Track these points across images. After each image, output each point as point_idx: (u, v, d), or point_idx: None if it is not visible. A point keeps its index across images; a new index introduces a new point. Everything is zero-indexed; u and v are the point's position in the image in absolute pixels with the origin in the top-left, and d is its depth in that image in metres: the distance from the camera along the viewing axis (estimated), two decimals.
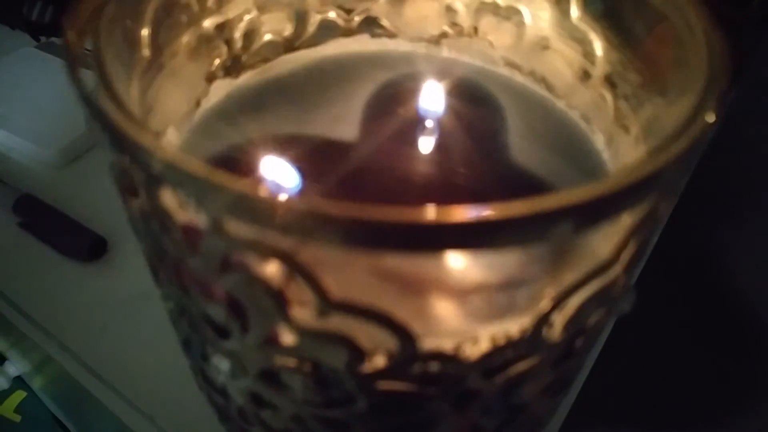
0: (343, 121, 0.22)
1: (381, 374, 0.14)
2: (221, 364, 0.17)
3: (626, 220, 0.14)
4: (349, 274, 0.13)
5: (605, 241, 0.14)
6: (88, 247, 0.35)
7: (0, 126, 0.41)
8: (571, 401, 0.31)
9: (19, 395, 0.53)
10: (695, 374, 0.36)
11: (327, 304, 0.13)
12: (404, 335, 0.13)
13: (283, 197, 0.11)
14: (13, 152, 0.42)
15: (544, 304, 0.14)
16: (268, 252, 0.12)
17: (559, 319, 0.15)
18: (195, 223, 0.13)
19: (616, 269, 0.15)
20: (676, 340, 0.37)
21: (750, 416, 0.34)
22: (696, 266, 0.41)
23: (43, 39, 0.50)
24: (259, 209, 0.11)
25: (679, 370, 0.36)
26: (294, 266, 0.12)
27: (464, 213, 0.11)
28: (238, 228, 0.12)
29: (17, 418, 0.54)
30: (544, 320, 0.14)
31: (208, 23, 0.21)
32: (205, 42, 0.21)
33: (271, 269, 0.13)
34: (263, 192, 0.11)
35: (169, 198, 0.13)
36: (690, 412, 0.34)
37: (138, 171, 0.13)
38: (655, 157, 0.13)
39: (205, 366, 0.18)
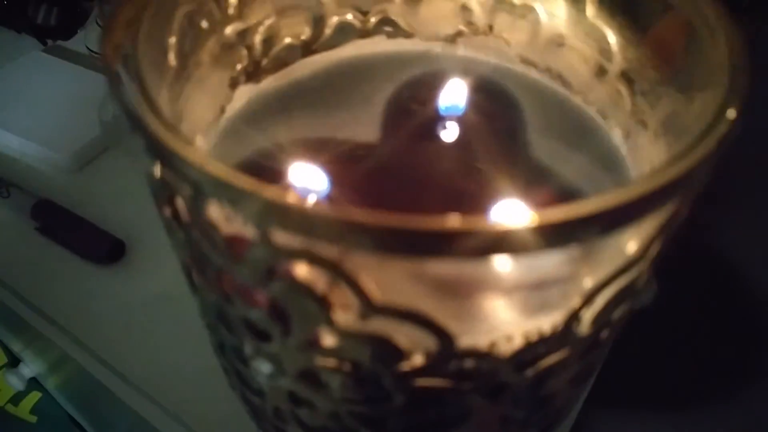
0: (364, 122, 0.23)
1: (418, 372, 0.15)
2: (261, 366, 0.17)
3: (652, 220, 0.15)
4: (388, 276, 0.13)
5: (632, 239, 0.15)
6: (107, 250, 0.36)
7: (12, 131, 0.42)
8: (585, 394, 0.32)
9: (35, 396, 0.54)
10: (703, 364, 0.36)
11: (369, 308, 0.13)
12: (443, 335, 0.14)
13: (327, 208, 0.12)
14: (27, 158, 0.42)
15: (575, 301, 0.14)
16: (314, 260, 0.13)
17: (587, 315, 0.15)
18: (240, 233, 0.13)
19: (642, 266, 0.15)
20: (685, 330, 0.37)
21: (756, 405, 0.35)
22: (706, 257, 0.41)
23: (49, 42, 0.51)
24: (303, 220, 0.12)
25: (687, 359, 0.36)
26: (338, 273, 0.13)
27: (501, 221, 0.11)
28: (283, 238, 0.13)
29: (33, 419, 0.55)
30: (574, 316, 0.15)
31: (230, 30, 0.21)
32: (228, 49, 0.21)
33: (315, 276, 0.13)
34: (308, 204, 0.12)
35: (213, 210, 0.14)
36: (698, 401, 0.35)
37: (182, 184, 0.14)
38: (681, 160, 0.13)
39: (242, 367, 0.19)
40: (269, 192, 0.12)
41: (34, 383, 0.52)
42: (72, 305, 0.36)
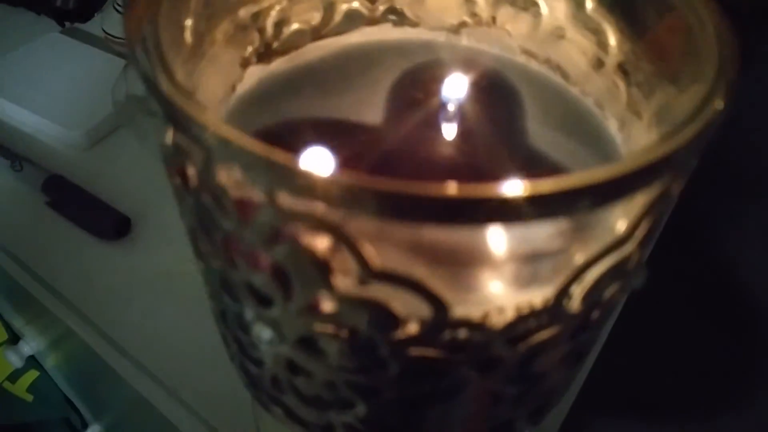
0: (368, 106, 0.24)
1: (413, 340, 0.16)
2: (261, 333, 0.18)
3: (640, 200, 0.15)
4: (388, 245, 0.14)
5: (622, 218, 0.16)
6: (113, 226, 0.37)
7: (28, 109, 0.43)
8: (578, 386, 0.32)
9: (32, 375, 0.55)
10: (699, 360, 0.37)
11: (368, 273, 0.14)
12: (437, 303, 0.14)
13: (330, 173, 0.12)
14: (41, 134, 0.43)
15: (565, 276, 0.15)
16: (317, 224, 0.13)
17: (577, 292, 0.16)
18: (248, 197, 0.14)
19: (631, 245, 0.16)
20: (680, 324, 0.38)
21: (754, 401, 0.35)
22: (703, 252, 0.42)
23: (67, 24, 0.52)
24: (309, 184, 0.13)
25: (683, 355, 0.37)
26: (340, 237, 0.13)
27: (495, 189, 0.12)
28: (289, 201, 0.13)
29: (29, 397, 0.55)
30: (564, 292, 0.15)
31: (244, 12, 0.22)
32: (241, 30, 0.22)
33: (318, 240, 0.14)
34: (313, 168, 0.12)
35: (223, 174, 0.14)
36: (692, 400, 0.35)
37: (194, 147, 0.14)
38: (667, 141, 0.14)
39: (242, 335, 0.19)
40: (277, 155, 0.12)
41: (32, 361, 0.53)
42: (77, 278, 0.36)
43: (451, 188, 0.12)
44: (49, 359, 0.52)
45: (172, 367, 0.33)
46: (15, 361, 0.50)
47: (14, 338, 0.53)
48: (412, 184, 0.12)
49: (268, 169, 0.13)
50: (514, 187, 0.12)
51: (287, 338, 0.17)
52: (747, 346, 0.37)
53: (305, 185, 0.13)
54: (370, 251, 0.14)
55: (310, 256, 0.14)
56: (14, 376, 0.55)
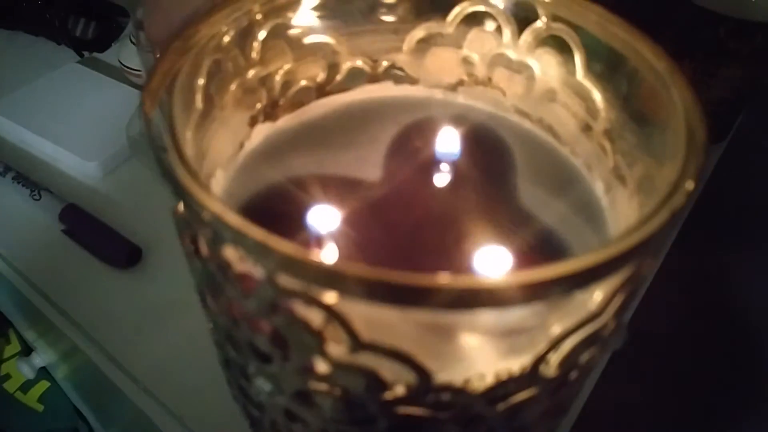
0: (368, 161, 0.25)
1: (400, 401, 0.17)
2: (261, 384, 0.19)
3: (614, 278, 0.16)
4: (377, 315, 0.15)
5: (597, 291, 0.17)
6: (125, 255, 0.38)
7: (48, 138, 0.45)
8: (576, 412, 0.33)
9: (43, 385, 0.56)
10: (698, 385, 0.37)
11: (357, 344, 0.15)
12: (421, 371, 0.16)
13: (325, 261, 0.14)
14: (59, 163, 0.45)
15: (541, 347, 0.16)
16: (311, 301, 0.15)
17: (554, 358, 0.17)
18: (250, 272, 0.15)
19: (605, 317, 0.17)
20: (681, 349, 0.39)
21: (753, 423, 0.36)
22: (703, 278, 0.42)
23: (86, 54, 0.53)
24: (304, 270, 0.14)
25: (682, 380, 0.37)
26: (331, 313, 0.15)
27: (472, 281, 0.13)
28: (286, 280, 0.15)
29: (40, 407, 0.57)
30: (540, 360, 0.17)
31: (252, 74, 0.23)
32: (249, 91, 0.23)
33: (312, 313, 0.15)
34: (309, 255, 0.14)
35: (228, 250, 0.16)
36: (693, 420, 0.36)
37: (202, 227, 0.16)
38: (637, 231, 0.15)
39: (244, 383, 0.21)
40: (277, 243, 0.14)
41: (43, 373, 0.54)
42: (89, 304, 0.38)
43: (432, 279, 0.13)
44: (59, 371, 0.53)
45: (179, 394, 0.35)
46: (27, 372, 0.52)
47: (27, 350, 0.55)
48: (396, 274, 0.13)
49: (267, 253, 0.14)
50: (491, 278, 0.13)
51: (285, 391, 0.19)
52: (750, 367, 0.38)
53: (299, 270, 0.14)
54: (359, 326, 0.15)
55: (305, 326, 0.15)
56: (26, 386, 0.56)
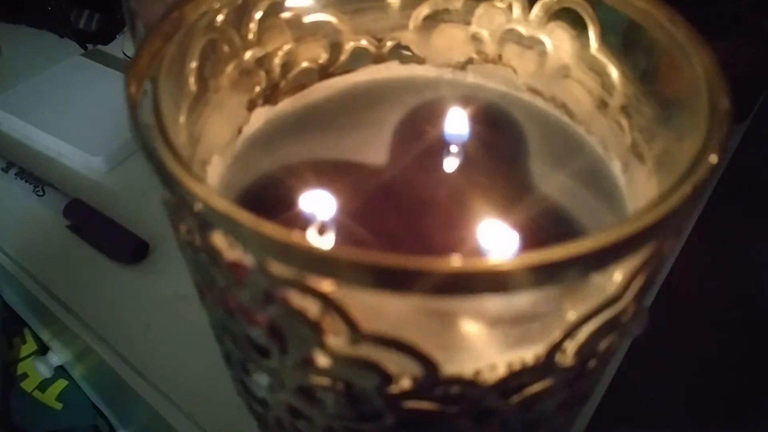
0: (375, 145, 0.24)
1: (406, 395, 0.16)
2: (261, 379, 0.18)
3: (634, 258, 0.15)
4: (380, 302, 0.14)
5: (616, 274, 0.16)
6: (132, 250, 0.38)
7: (51, 133, 0.44)
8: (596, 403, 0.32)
9: (61, 384, 0.56)
10: (723, 376, 0.36)
11: (357, 335, 0.14)
12: (427, 363, 0.15)
13: (318, 245, 0.13)
14: (63, 158, 0.44)
15: (556, 334, 0.15)
16: (306, 290, 0.14)
17: (571, 346, 0.16)
18: (241, 260, 0.14)
19: (625, 300, 0.16)
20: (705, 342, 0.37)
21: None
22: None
23: (89, 46, 0.53)
24: (297, 256, 0.13)
25: (707, 371, 0.36)
26: (329, 303, 0.14)
27: (482, 264, 0.12)
28: (279, 268, 0.14)
29: (59, 405, 0.57)
30: (555, 348, 0.15)
31: (249, 56, 0.22)
32: (246, 74, 0.22)
33: (309, 303, 0.14)
34: (301, 240, 0.13)
35: (218, 237, 0.15)
36: (717, 412, 0.35)
37: (190, 214, 0.15)
38: (658, 207, 0.14)
39: (246, 378, 0.20)
40: (266, 228, 0.13)
41: (61, 371, 0.54)
42: (96, 301, 0.37)
43: (436, 262, 0.12)
44: (76, 369, 0.53)
45: (188, 389, 0.34)
46: (44, 371, 0.52)
47: (43, 349, 0.55)
48: (396, 257, 0.12)
49: (257, 239, 0.13)
50: (499, 261, 0.12)
51: (286, 386, 0.18)
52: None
53: (292, 256, 0.13)
54: (358, 314, 0.14)
55: (302, 317, 0.14)
56: (44, 385, 0.56)
